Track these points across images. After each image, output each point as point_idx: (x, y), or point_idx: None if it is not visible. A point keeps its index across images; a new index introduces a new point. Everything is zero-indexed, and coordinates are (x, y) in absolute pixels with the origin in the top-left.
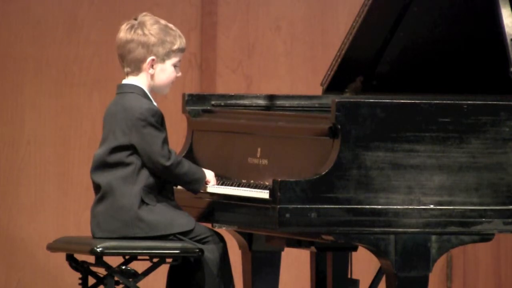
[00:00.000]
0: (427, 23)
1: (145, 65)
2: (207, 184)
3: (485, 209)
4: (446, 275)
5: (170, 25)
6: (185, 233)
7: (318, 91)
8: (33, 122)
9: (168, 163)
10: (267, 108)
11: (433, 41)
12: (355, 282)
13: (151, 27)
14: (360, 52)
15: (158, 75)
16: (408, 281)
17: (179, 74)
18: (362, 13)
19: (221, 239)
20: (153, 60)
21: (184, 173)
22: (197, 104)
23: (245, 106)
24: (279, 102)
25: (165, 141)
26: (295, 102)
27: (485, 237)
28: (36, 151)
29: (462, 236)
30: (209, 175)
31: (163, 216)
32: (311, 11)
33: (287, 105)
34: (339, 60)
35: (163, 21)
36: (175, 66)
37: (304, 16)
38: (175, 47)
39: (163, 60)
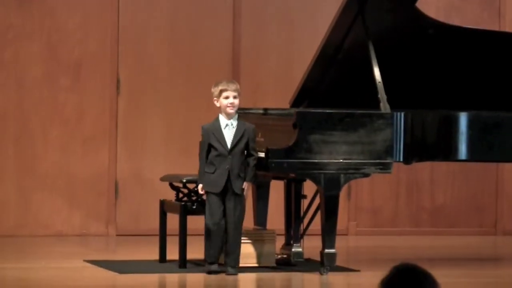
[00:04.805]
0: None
1: None
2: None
3: (366, 162)
4: (347, 194)
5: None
6: None
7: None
8: None
9: None
10: (265, 113)
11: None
12: (305, 196)
13: None
14: (308, 86)
15: None
16: (329, 196)
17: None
18: (310, 65)
19: None
20: None
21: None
22: None
23: (253, 113)
24: (270, 111)
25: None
26: (278, 111)
27: (366, 175)
28: None
29: (355, 174)
30: (199, 186)
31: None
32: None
33: (274, 112)
34: (297, 92)
35: None
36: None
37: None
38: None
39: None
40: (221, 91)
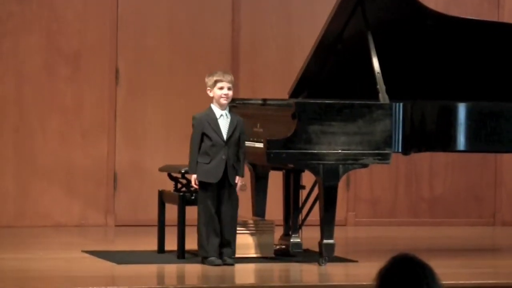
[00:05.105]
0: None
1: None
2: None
3: (364, 152)
4: (346, 184)
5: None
6: None
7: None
8: None
9: None
10: (263, 104)
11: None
12: (303, 186)
13: None
14: (307, 77)
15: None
16: (328, 187)
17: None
18: (309, 56)
19: None
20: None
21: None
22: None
23: (251, 103)
24: (269, 102)
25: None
26: (276, 102)
27: (365, 165)
28: None
29: (354, 164)
30: (193, 176)
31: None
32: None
33: (273, 103)
34: (295, 82)
35: None
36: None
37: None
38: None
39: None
40: (216, 82)
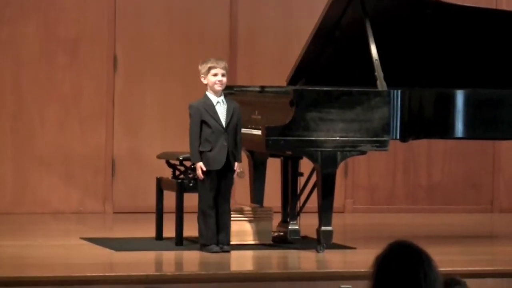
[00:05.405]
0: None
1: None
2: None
3: (362, 139)
4: (344, 171)
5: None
6: None
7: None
8: None
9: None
10: (261, 91)
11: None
12: (301, 173)
13: None
14: (305, 64)
15: None
16: (326, 174)
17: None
18: (307, 43)
19: None
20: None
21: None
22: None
23: (249, 90)
24: (267, 89)
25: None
26: (274, 89)
27: (363, 152)
28: None
29: (352, 152)
30: (198, 164)
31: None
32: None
33: (271, 90)
34: (293, 69)
35: None
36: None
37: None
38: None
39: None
40: (209, 68)
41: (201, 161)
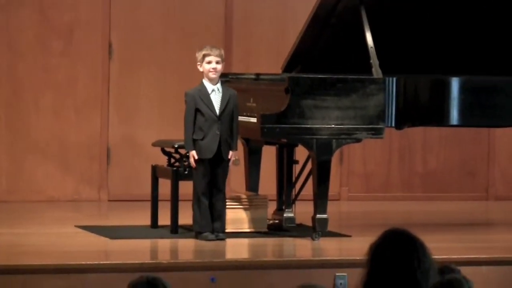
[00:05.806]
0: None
1: None
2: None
3: (358, 127)
4: (339, 159)
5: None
6: None
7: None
8: None
9: None
10: (256, 79)
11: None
12: (296, 161)
13: None
14: (300, 51)
15: None
16: (321, 161)
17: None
18: (303, 30)
19: None
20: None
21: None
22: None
23: (245, 78)
24: (262, 76)
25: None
26: (270, 76)
27: (358, 140)
28: None
29: (347, 139)
30: (191, 153)
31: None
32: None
33: (266, 78)
34: (289, 57)
35: None
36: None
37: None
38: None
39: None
40: (204, 56)
41: (194, 149)
